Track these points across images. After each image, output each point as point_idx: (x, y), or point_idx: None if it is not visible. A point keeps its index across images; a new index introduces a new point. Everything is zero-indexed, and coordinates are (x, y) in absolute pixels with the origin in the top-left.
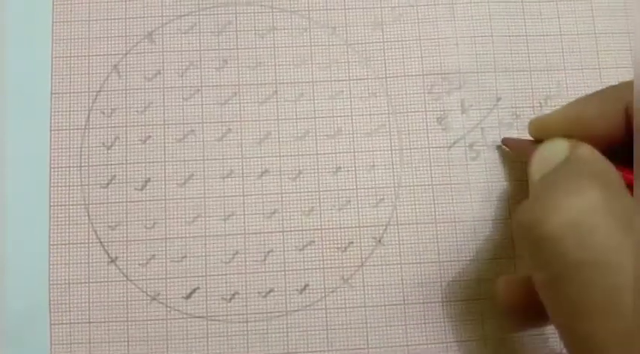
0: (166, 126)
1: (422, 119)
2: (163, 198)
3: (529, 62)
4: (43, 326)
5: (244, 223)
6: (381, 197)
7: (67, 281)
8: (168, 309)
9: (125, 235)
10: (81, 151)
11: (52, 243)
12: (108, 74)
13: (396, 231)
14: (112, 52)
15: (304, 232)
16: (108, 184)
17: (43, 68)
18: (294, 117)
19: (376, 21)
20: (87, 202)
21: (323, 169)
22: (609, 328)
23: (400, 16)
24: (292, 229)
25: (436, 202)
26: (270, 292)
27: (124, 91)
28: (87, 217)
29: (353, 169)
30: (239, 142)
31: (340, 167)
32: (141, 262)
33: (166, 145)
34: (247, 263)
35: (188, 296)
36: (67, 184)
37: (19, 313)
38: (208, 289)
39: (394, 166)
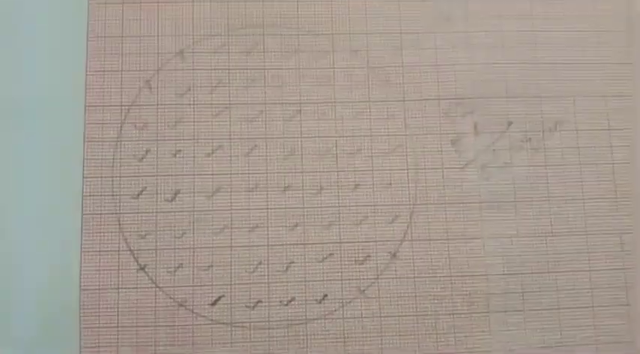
0: (196, 141)
1: (437, 141)
2: (192, 209)
3: (539, 88)
4: (73, 330)
5: (268, 235)
6: (397, 214)
7: (97, 287)
8: (195, 315)
9: (155, 243)
10: (113, 163)
11: (83, 250)
12: (140, 89)
13: (411, 246)
14: (145, 68)
15: (324, 245)
16: (139, 194)
17: (78, 82)
18: (317, 135)
19: (396, 46)
20: (118, 212)
21: (343, 186)
22: None
23: (419, 42)
24: (313, 241)
25: (448, 220)
26: (291, 300)
27: (155, 106)
28: (118, 226)
29: (371, 186)
30: (264, 158)
31: (359, 184)
32: (169, 269)
33: (196, 159)
34: (270, 273)
35: (214, 303)
36: (100, 193)
37: (51, 316)
38: (233, 297)
39: (409, 185)
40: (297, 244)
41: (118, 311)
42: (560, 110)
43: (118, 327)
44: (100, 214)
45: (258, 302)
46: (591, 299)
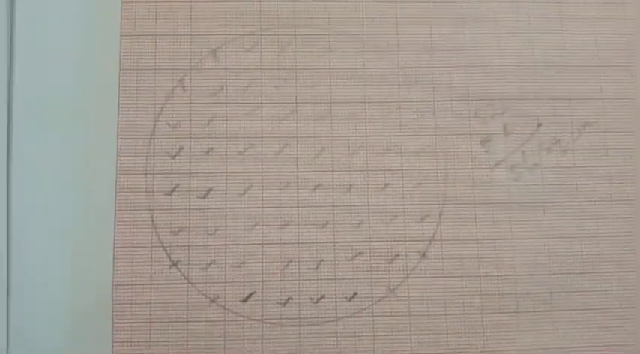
0: (228, 139)
1: (466, 141)
2: (224, 207)
3: (569, 90)
4: (106, 325)
5: (298, 232)
6: (426, 214)
7: (130, 283)
8: (226, 311)
9: (187, 240)
10: (147, 160)
11: (116, 246)
12: (173, 88)
13: (440, 246)
14: (178, 67)
15: (354, 243)
16: (172, 191)
17: (112, 80)
18: (347, 135)
19: (426, 47)
20: (151, 208)
21: (372, 185)
22: None
23: (448, 43)
24: (343, 240)
25: (478, 220)
26: (321, 298)
27: (188, 105)
28: (151, 223)
29: (400, 186)
30: (295, 157)
31: (388, 184)
32: (201, 266)
33: (228, 157)
34: (301, 270)
35: (245, 299)
36: (133, 190)
37: (84, 311)
38: (264, 294)
39: (439, 185)
40: (327, 242)
41: (150, 307)
42: (589, 112)
43: (150, 322)
44: (133, 210)
45: (289, 299)
46: (620, 301)
